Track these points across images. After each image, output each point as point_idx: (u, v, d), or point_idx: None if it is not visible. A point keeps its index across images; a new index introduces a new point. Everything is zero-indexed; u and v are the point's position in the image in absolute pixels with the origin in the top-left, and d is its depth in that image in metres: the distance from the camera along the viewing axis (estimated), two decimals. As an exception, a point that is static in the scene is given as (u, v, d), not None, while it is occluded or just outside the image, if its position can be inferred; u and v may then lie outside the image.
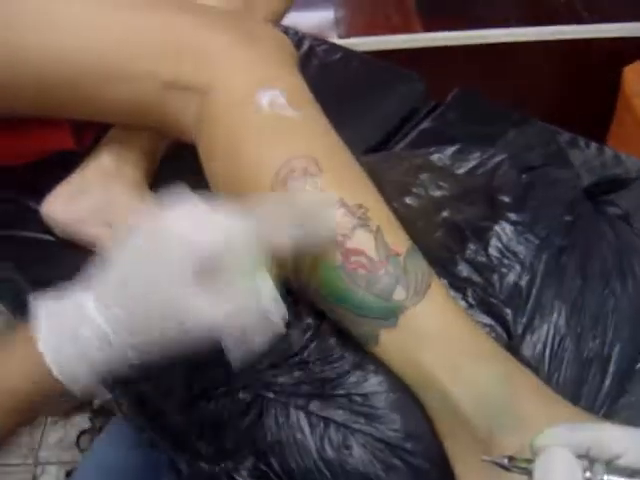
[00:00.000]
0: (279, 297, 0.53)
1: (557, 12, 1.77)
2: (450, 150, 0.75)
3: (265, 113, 0.65)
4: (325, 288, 0.60)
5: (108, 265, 0.50)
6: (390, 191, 0.68)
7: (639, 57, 1.60)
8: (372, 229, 0.60)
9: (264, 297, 0.52)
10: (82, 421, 1.84)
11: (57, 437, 1.83)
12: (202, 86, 0.68)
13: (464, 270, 0.65)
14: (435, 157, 0.74)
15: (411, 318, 0.58)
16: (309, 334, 0.62)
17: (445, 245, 0.67)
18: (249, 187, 0.64)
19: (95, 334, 0.49)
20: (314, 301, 0.62)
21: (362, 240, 0.60)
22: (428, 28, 1.76)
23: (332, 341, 0.62)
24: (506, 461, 0.44)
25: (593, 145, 0.90)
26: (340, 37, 1.76)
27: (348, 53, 1.12)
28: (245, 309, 0.51)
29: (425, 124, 0.97)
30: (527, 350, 0.62)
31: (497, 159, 0.72)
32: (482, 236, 0.66)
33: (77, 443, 1.80)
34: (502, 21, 1.73)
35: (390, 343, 0.59)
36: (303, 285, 0.62)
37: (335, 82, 1.07)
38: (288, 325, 0.63)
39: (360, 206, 0.61)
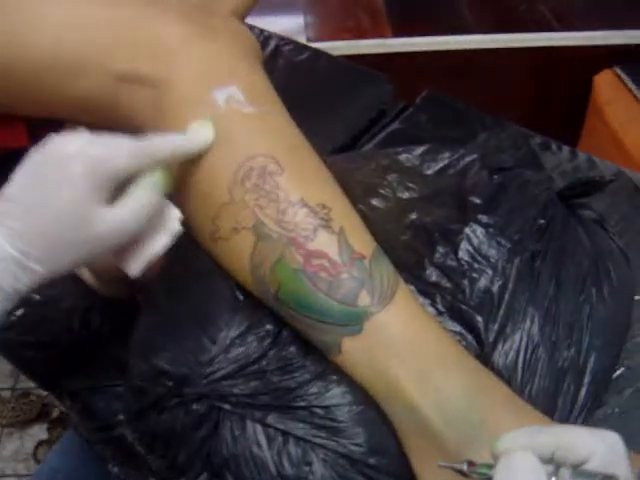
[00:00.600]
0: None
1: (526, 20, 1.76)
2: (419, 150, 0.71)
3: (222, 111, 0.61)
4: (284, 292, 0.56)
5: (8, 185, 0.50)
6: (356, 192, 0.65)
7: (608, 65, 1.60)
8: (335, 230, 0.56)
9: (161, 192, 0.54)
10: (39, 432, 1.78)
11: (13, 448, 1.78)
12: (157, 81, 0.64)
13: (433, 275, 0.62)
14: (403, 157, 0.71)
15: (376, 325, 0.55)
16: (268, 341, 0.58)
17: (413, 248, 0.63)
18: (205, 189, 0.60)
19: None
20: (273, 306, 0.58)
21: (324, 242, 0.56)
22: (397, 33, 1.73)
23: (292, 349, 0.58)
24: (465, 467, 0.41)
25: (565, 148, 0.87)
26: (309, 41, 1.73)
27: (315, 53, 1.09)
28: (147, 205, 0.52)
29: (394, 126, 0.94)
30: (499, 359, 0.58)
31: (468, 159, 0.69)
32: (452, 239, 0.63)
33: (34, 454, 1.74)
34: (472, 28, 1.72)
35: (354, 352, 0.55)
36: (261, 288, 0.58)
37: (302, 82, 1.04)
38: (247, 329, 0.59)
39: (323, 206, 0.57)
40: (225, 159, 0.59)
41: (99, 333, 0.75)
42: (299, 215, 0.56)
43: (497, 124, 0.93)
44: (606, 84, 1.54)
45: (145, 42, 0.65)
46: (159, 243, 0.55)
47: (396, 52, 1.67)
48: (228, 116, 0.61)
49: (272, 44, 1.09)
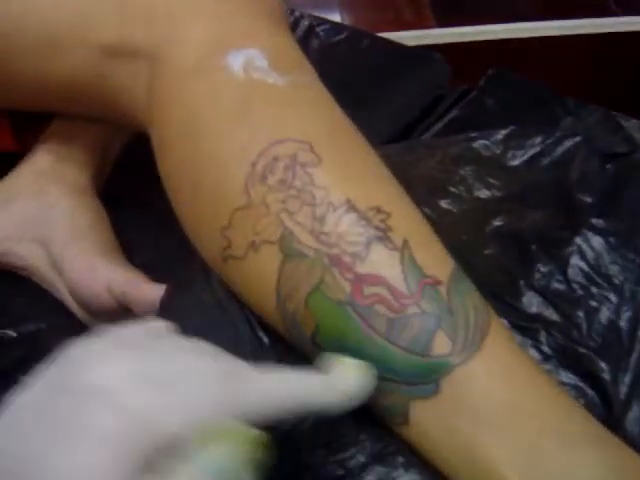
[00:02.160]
0: None
1: (582, 5, 1.58)
2: (500, 135, 0.54)
3: (239, 80, 0.45)
4: (325, 334, 0.39)
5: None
6: (417, 192, 0.47)
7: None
8: (396, 245, 0.39)
9: None
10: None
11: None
12: (153, 50, 0.49)
13: (533, 303, 0.44)
14: (479, 144, 0.53)
15: (460, 383, 0.37)
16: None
17: (502, 267, 0.46)
18: (213, 188, 0.43)
19: None
20: (310, 354, 0.41)
21: (382, 261, 0.39)
22: (442, 23, 1.57)
23: (337, 417, 0.40)
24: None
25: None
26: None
27: (356, 32, 0.91)
28: None
29: (454, 112, 0.76)
30: (634, 425, 0.40)
31: (568, 144, 0.51)
32: (557, 253, 0.45)
33: None
34: (522, 14, 1.55)
35: (428, 422, 0.38)
36: (292, 329, 0.41)
37: (341, 66, 0.87)
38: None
39: (378, 210, 0.40)
40: (240, 145, 0.43)
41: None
42: (344, 223, 0.39)
43: (582, 107, 0.74)
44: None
45: (139, 3, 0.49)
46: None
47: (443, 43, 1.50)
48: (246, 86, 0.44)
49: (304, 24, 0.92)
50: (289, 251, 0.40)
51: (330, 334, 0.39)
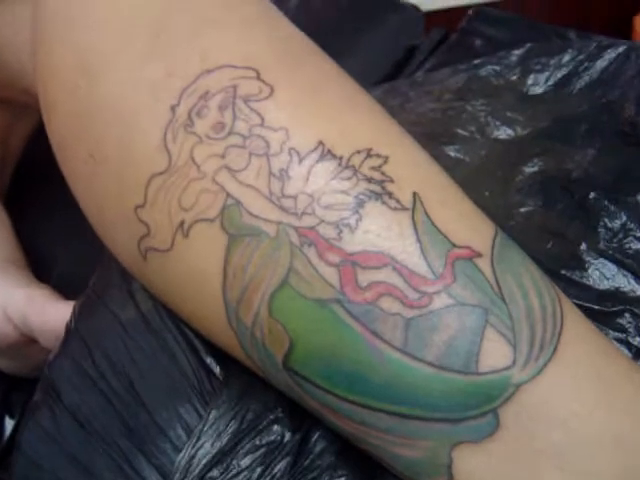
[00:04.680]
0: None
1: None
2: (513, 56, 0.40)
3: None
4: (300, 354, 0.25)
5: None
6: (416, 137, 0.33)
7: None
8: (404, 202, 0.25)
9: None
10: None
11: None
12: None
13: (605, 276, 0.30)
14: (488, 71, 0.39)
15: (533, 413, 0.23)
16: (277, 462, 0.27)
17: (548, 228, 0.32)
18: (118, 154, 0.29)
19: None
20: (280, 386, 0.27)
21: (383, 231, 0.24)
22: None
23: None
24: None
25: None
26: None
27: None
28: None
29: (435, 59, 0.62)
30: None
31: (610, 56, 0.37)
32: (628, 200, 0.31)
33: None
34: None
35: (485, 477, 0.23)
36: (253, 350, 0.26)
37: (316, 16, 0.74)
38: (235, 438, 0.28)
39: (369, 153, 0.26)
40: (152, 82, 0.28)
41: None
42: (318, 177, 0.25)
43: (585, 36, 0.60)
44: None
45: None
46: None
47: None
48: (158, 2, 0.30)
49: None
50: (237, 229, 0.25)
51: (310, 353, 0.25)
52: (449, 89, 0.39)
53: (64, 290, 0.46)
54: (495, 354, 0.23)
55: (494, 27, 0.63)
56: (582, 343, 0.24)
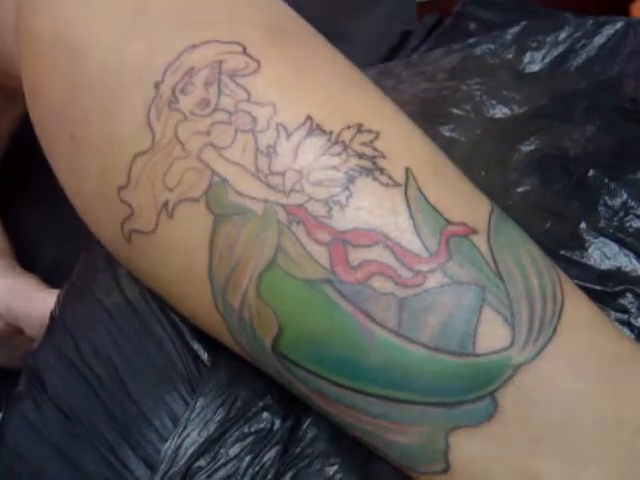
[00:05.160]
0: None
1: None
2: (508, 34, 0.39)
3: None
4: (289, 337, 0.24)
5: None
6: (411, 117, 0.32)
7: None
8: (396, 178, 0.24)
9: None
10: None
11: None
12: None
13: (605, 255, 0.29)
14: (483, 50, 0.38)
15: (532, 395, 0.22)
16: (267, 450, 0.26)
17: (547, 207, 0.31)
18: (100, 133, 0.28)
19: None
20: (270, 372, 0.26)
21: (374, 208, 0.23)
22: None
23: (317, 467, 0.25)
24: None
25: None
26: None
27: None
28: None
29: (429, 44, 0.61)
30: None
31: (608, 32, 0.36)
32: (628, 177, 0.30)
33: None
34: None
35: (484, 462, 0.22)
36: (241, 335, 0.25)
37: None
38: (222, 426, 0.27)
39: (359, 128, 0.25)
40: (135, 57, 0.27)
41: None
42: (307, 153, 0.24)
43: (583, 17, 0.59)
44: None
45: None
46: None
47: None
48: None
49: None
50: (222, 209, 0.24)
51: (300, 337, 0.24)
52: (443, 69, 0.38)
53: (52, 279, 0.45)
54: (493, 334, 0.22)
55: (489, 10, 0.62)
56: (583, 324, 0.23)
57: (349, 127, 0.25)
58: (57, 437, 0.30)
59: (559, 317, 0.22)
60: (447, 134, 0.35)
